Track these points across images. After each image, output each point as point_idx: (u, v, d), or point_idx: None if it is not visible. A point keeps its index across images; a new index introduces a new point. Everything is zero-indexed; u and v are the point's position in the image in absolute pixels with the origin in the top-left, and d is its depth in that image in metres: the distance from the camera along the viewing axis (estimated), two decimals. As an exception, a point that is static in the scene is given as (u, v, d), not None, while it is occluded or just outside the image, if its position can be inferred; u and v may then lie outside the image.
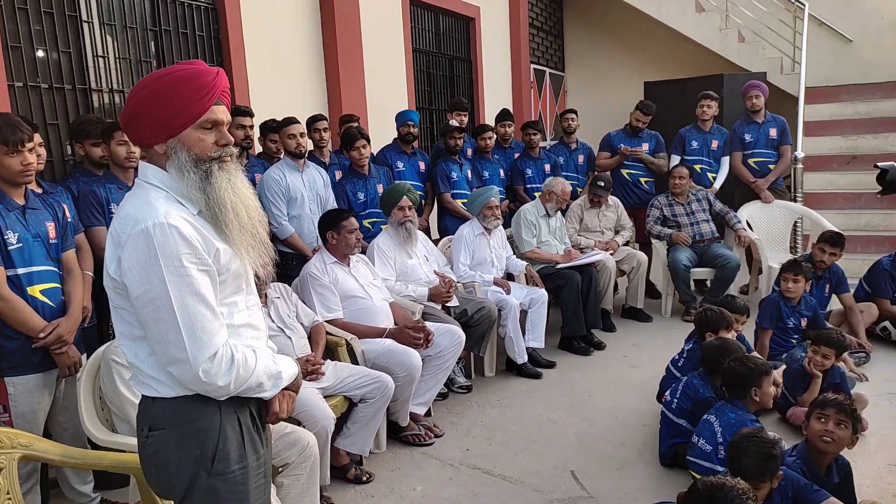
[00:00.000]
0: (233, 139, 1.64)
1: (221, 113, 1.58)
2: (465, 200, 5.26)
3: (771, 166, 5.77)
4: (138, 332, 1.54)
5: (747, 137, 5.79)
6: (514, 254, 4.99)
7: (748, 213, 5.73)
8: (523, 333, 4.48)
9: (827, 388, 3.32)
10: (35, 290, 2.51)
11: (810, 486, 2.29)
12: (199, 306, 1.48)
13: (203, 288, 1.49)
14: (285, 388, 1.68)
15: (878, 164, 2.50)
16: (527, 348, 4.46)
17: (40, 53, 3.74)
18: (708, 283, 5.56)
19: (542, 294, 4.56)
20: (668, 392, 3.28)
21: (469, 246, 4.56)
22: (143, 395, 1.61)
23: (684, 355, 3.53)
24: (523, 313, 4.56)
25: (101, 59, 4.09)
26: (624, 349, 4.82)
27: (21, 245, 2.47)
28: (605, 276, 5.15)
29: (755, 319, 4.15)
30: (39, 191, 2.77)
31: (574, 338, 4.83)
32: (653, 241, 5.58)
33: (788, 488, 2.28)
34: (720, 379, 2.97)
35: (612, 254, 5.26)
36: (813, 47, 7.62)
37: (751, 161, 5.81)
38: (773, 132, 5.78)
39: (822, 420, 2.44)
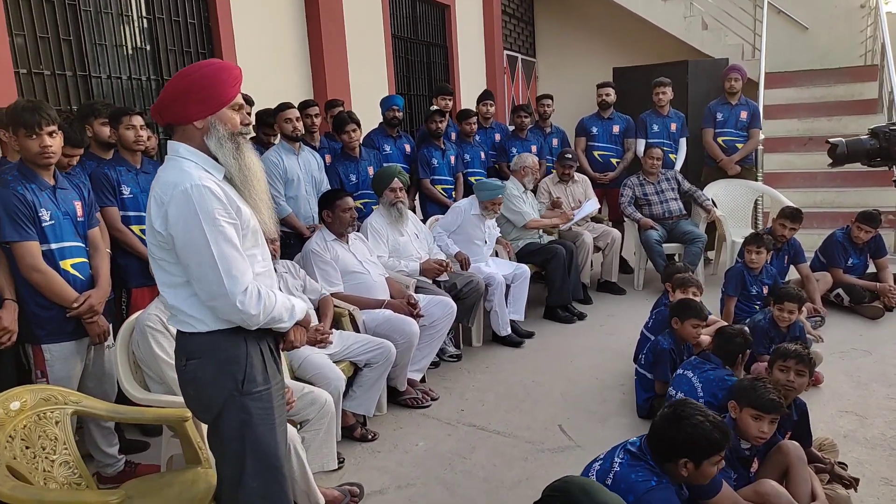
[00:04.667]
0: (251, 119, 1.97)
1: (241, 98, 1.95)
2: (447, 187, 5.52)
3: (739, 146, 6.15)
4: (178, 279, 1.85)
5: (719, 116, 6.16)
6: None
7: (713, 191, 6.10)
8: (507, 306, 4.78)
9: (789, 342, 3.68)
10: (66, 265, 2.69)
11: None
12: (232, 250, 1.79)
13: (233, 237, 1.80)
14: (298, 324, 2.00)
15: (829, 139, 2.83)
16: (511, 319, 4.76)
17: (43, 42, 3.86)
18: (677, 257, 5.92)
19: (525, 270, 4.85)
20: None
21: (460, 217, 4.79)
22: (179, 332, 1.93)
23: (652, 317, 3.87)
24: (507, 287, 4.86)
25: (99, 47, 4.22)
26: (600, 319, 5.15)
27: (53, 222, 2.65)
28: (583, 251, 5.47)
29: (721, 288, 4.50)
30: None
31: (558, 307, 5.15)
32: (625, 219, 5.91)
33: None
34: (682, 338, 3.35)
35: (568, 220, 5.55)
36: (772, 34, 8.03)
37: (720, 140, 6.18)
38: (743, 114, 6.16)
39: (784, 371, 2.76)
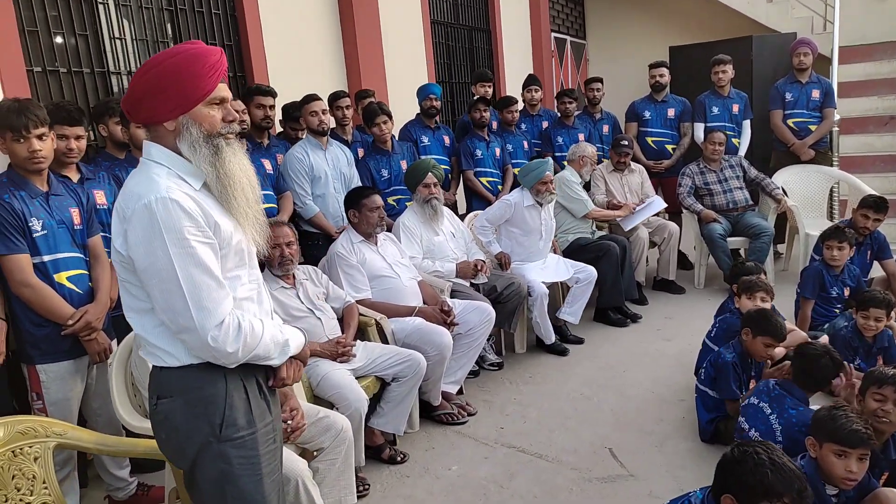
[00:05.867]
0: (237, 115, 1.68)
1: (225, 91, 1.63)
2: (491, 180, 5.17)
3: (812, 127, 5.57)
4: (144, 304, 1.58)
5: (788, 96, 5.59)
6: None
7: (783, 178, 5.55)
8: (562, 304, 4.43)
9: (876, 353, 3.21)
10: (62, 277, 2.48)
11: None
12: (203, 276, 1.51)
13: (206, 259, 1.52)
14: (293, 358, 1.73)
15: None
16: (560, 320, 4.40)
17: (58, 38, 3.69)
18: (742, 252, 5.40)
19: (591, 273, 4.43)
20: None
21: (509, 211, 4.40)
22: (152, 366, 1.66)
23: (716, 325, 3.43)
24: (566, 288, 4.49)
25: (117, 42, 4.03)
26: (657, 322, 4.72)
27: (46, 232, 2.43)
28: (638, 247, 5.03)
29: (795, 288, 4.01)
30: (78, 176, 2.75)
31: (610, 309, 4.74)
32: (684, 211, 5.42)
33: None
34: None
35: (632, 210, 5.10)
36: (845, 4, 7.30)
37: (790, 122, 5.61)
38: (815, 93, 5.58)
39: (880, 400, 2.30)
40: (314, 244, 3.96)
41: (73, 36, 3.77)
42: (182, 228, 1.49)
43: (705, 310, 4.64)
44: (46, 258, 2.43)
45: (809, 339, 3.32)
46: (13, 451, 1.93)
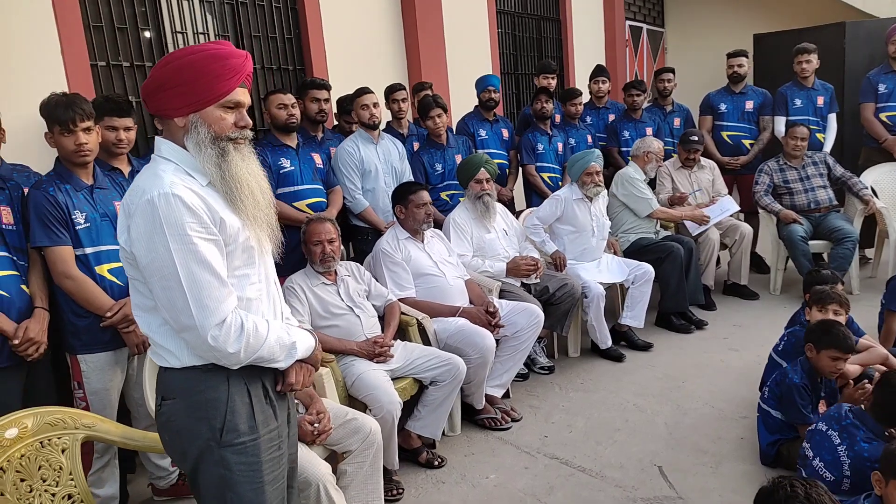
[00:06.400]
0: (250, 122, 1.63)
1: (243, 95, 1.60)
2: (553, 175, 4.99)
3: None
4: (150, 302, 1.56)
5: (882, 88, 5.10)
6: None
7: (873, 177, 5.08)
8: (622, 310, 4.23)
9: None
10: (103, 270, 2.51)
11: None
12: (205, 274, 1.48)
13: (209, 256, 1.49)
14: (303, 362, 1.70)
15: None
16: (623, 326, 4.20)
17: (122, 33, 3.78)
18: (825, 256, 4.99)
19: (647, 270, 4.21)
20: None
21: (559, 208, 4.23)
22: (159, 366, 1.64)
23: (784, 338, 3.14)
24: (624, 289, 4.29)
25: (180, 35, 4.11)
26: (724, 330, 4.42)
27: (89, 225, 2.48)
28: (707, 248, 4.73)
29: (881, 298, 3.64)
30: (129, 168, 2.80)
31: (673, 314, 4.48)
32: (760, 210, 5.06)
33: None
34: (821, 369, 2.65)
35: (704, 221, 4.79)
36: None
37: (882, 116, 5.12)
38: (914, 85, 5.07)
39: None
40: (364, 239, 3.92)
41: (136, 31, 3.86)
42: (184, 224, 1.46)
43: (779, 319, 4.29)
44: (89, 250, 2.47)
45: (893, 357, 3.01)
46: (41, 442, 1.96)
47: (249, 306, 1.60)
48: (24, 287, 2.38)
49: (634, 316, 4.20)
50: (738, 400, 3.41)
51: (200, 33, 4.23)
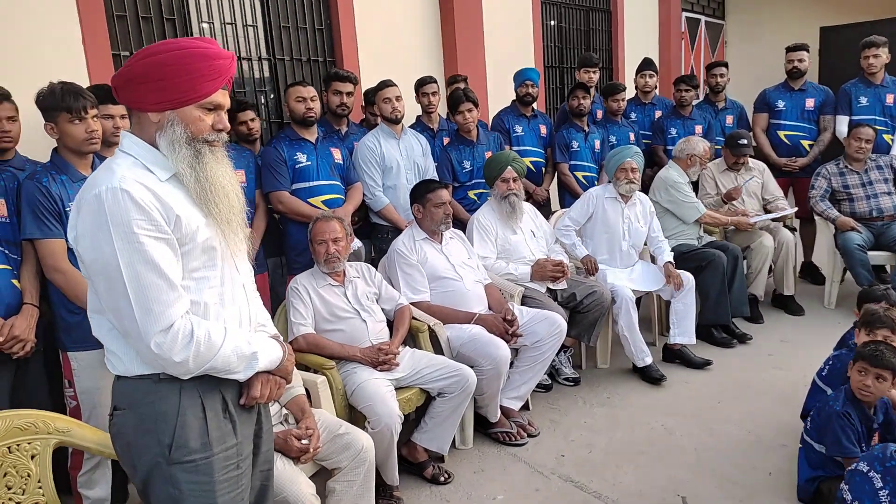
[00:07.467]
0: (228, 125, 1.55)
1: (224, 98, 1.53)
2: (588, 174, 4.73)
3: None
4: (100, 304, 1.47)
5: None
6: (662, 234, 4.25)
7: (947, 183, 4.62)
8: (668, 328, 3.93)
9: None
10: (97, 265, 2.44)
11: None
12: (151, 275, 1.38)
13: (157, 256, 1.39)
14: (272, 373, 1.60)
15: None
16: (675, 345, 3.89)
17: (146, 23, 3.73)
18: (888, 268, 4.58)
19: (687, 279, 3.89)
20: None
21: (591, 206, 3.99)
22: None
23: (829, 362, 2.82)
24: (667, 304, 4.00)
25: (205, 25, 4.04)
26: (770, 346, 4.08)
27: (82, 218, 2.40)
28: (759, 256, 4.39)
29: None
30: None
31: (714, 327, 4.17)
32: (817, 217, 4.68)
33: None
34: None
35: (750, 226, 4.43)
36: None
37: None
38: None
39: None
40: (383, 237, 3.77)
41: (160, 20, 3.81)
42: (130, 221, 1.37)
43: (832, 336, 3.91)
44: (82, 244, 2.40)
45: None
46: (8, 447, 1.88)
47: (207, 312, 1.50)
48: (14, 282, 2.33)
49: (683, 332, 3.89)
50: (779, 426, 3.11)
51: (228, 23, 4.15)
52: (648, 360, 3.72)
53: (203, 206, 1.49)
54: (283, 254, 3.58)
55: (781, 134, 5.08)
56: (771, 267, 4.56)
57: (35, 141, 2.74)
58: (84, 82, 3.00)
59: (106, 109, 2.58)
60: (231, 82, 1.56)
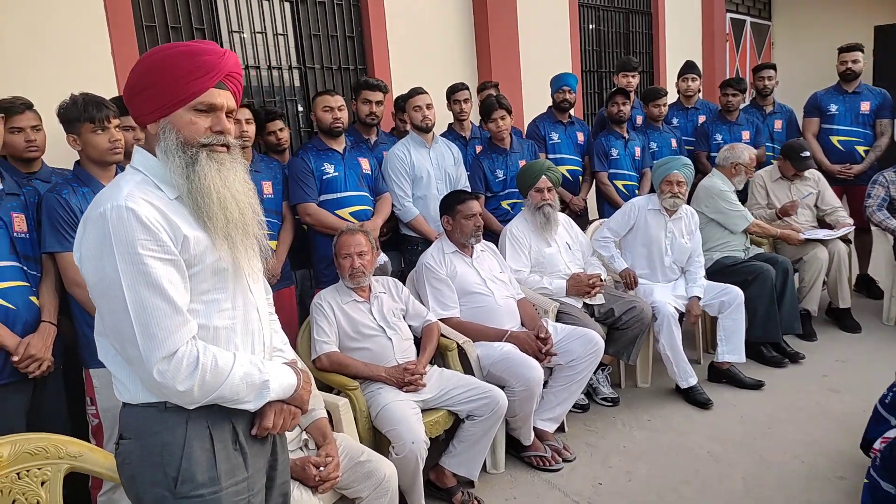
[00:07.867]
0: (231, 128, 1.42)
1: (221, 97, 1.41)
2: (628, 183, 4.55)
3: None
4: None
5: None
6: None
7: None
8: (714, 346, 3.72)
9: None
10: (117, 280, 2.38)
11: None
12: (155, 299, 1.30)
13: (162, 279, 1.31)
14: (286, 402, 1.50)
15: None
16: (723, 364, 3.67)
17: (175, 32, 3.71)
18: (953, 283, 4.27)
19: (735, 295, 3.66)
20: (877, 442, 2.41)
21: (632, 217, 3.80)
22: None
23: (893, 389, 2.58)
24: (713, 320, 3.80)
25: (236, 35, 4.00)
26: (825, 366, 3.83)
27: (103, 232, 2.35)
28: (812, 269, 4.14)
29: None
30: None
31: (763, 345, 3.93)
32: (873, 228, 4.40)
33: None
34: None
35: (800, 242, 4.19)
36: None
37: None
38: None
39: None
40: (413, 249, 3.65)
41: (190, 30, 3.78)
42: (135, 241, 1.28)
43: (892, 355, 3.71)
44: (102, 259, 2.35)
45: None
46: (18, 473, 1.81)
47: (217, 337, 1.40)
48: (33, 299, 2.28)
49: (733, 349, 3.66)
50: (836, 455, 2.88)
51: (258, 32, 4.11)
52: (693, 381, 3.51)
53: (198, 220, 1.39)
54: (311, 266, 3.50)
55: (834, 139, 4.82)
56: (824, 280, 4.30)
57: (61, 157, 2.73)
58: (113, 93, 2.97)
59: (127, 121, 2.55)
60: (234, 81, 1.44)
